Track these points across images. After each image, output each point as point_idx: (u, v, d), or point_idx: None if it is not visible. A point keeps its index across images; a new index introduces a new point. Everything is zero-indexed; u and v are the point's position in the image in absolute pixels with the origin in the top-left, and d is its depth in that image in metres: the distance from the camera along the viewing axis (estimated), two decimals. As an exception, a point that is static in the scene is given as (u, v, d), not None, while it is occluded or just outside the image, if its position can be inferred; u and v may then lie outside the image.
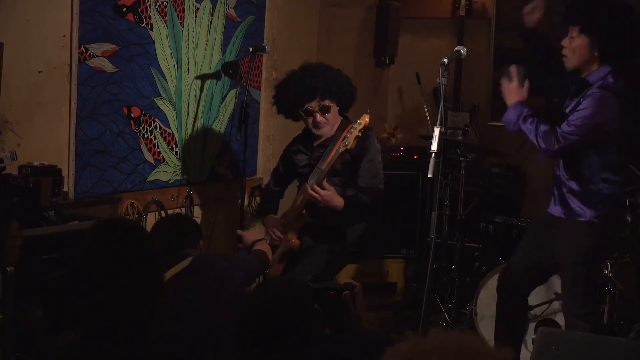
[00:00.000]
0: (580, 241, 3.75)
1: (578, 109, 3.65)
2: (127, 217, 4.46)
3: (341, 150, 4.02)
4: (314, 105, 4.26)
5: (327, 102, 4.27)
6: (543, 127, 3.69)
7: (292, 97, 4.30)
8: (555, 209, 3.85)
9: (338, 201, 4.13)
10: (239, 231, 4.13)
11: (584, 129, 3.62)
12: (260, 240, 3.96)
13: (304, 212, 4.29)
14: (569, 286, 3.86)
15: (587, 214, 3.73)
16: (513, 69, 3.82)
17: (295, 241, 4.30)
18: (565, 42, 3.73)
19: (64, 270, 3.17)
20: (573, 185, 3.77)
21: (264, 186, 5.13)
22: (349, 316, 2.48)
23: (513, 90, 3.81)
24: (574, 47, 3.69)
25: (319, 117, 4.27)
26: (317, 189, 4.07)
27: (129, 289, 2.08)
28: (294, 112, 4.37)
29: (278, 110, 4.52)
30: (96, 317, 2.09)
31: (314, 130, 4.33)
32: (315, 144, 4.39)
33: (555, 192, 3.86)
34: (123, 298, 2.07)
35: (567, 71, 3.78)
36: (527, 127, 3.72)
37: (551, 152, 3.71)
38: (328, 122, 4.31)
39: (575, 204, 3.76)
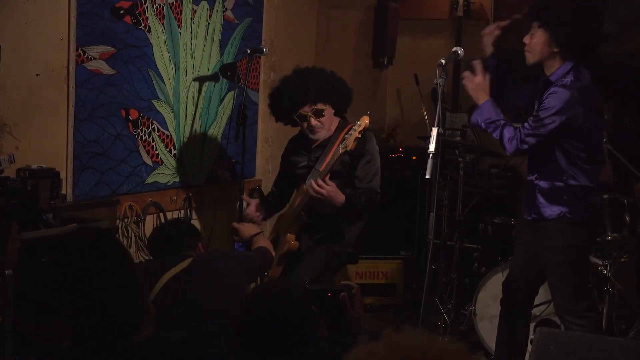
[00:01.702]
0: (558, 240, 3.75)
1: (539, 108, 3.67)
2: (126, 219, 4.46)
3: (340, 151, 4.01)
4: (306, 110, 4.24)
5: (319, 106, 4.25)
6: (507, 130, 3.71)
7: (285, 103, 4.30)
8: (528, 213, 3.87)
9: (340, 198, 4.11)
10: (234, 224, 4.11)
11: (546, 129, 3.64)
12: (257, 234, 3.94)
13: (301, 213, 4.29)
14: (557, 287, 3.85)
15: (556, 211, 3.74)
16: (477, 63, 3.81)
17: (293, 242, 4.29)
18: (526, 39, 3.76)
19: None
20: (541, 184, 3.79)
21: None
22: (347, 317, 2.49)
23: (480, 85, 3.79)
24: (534, 43, 3.72)
25: (313, 122, 4.25)
26: (322, 184, 4.06)
27: (99, 295, 2.07)
28: (289, 118, 4.38)
29: (276, 118, 4.51)
30: (77, 324, 2.09)
31: (310, 135, 4.32)
32: (313, 146, 4.38)
33: (528, 195, 3.88)
34: (94, 306, 2.07)
35: (528, 66, 3.80)
36: (492, 131, 3.75)
37: (514, 153, 3.77)
38: (323, 126, 4.29)
39: (544, 203, 3.78)
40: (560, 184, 3.73)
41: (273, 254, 3.84)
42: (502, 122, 3.73)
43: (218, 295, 3.05)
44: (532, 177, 3.83)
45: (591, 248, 4.13)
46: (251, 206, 4.51)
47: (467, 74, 3.83)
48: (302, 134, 4.47)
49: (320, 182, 4.06)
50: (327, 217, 4.25)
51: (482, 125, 3.76)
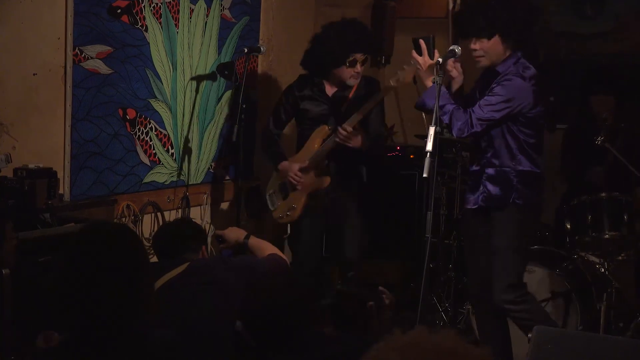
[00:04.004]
0: (506, 226, 3.83)
1: (491, 94, 3.74)
2: (123, 218, 4.46)
3: (393, 84, 4.30)
4: (359, 56, 4.48)
5: (366, 57, 4.55)
6: (457, 116, 3.75)
7: (348, 41, 4.46)
8: (474, 202, 3.92)
9: (363, 142, 4.42)
10: (217, 231, 3.87)
11: (499, 114, 3.72)
12: (246, 236, 3.65)
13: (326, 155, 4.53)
14: (500, 272, 3.87)
15: (507, 196, 3.82)
16: (422, 42, 3.82)
17: (326, 178, 4.55)
18: (475, 45, 3.81)
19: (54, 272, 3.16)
20: (490, 171, 3.86)
21: (265, 128, 4.95)
22: (370, 327, 2.44)
23: (427, 65, 3.80)
24: (489, 47, 3.78)
25: (359, 68, 4.51)
26: (349, 128, 4.33)
27: (112, 292, 2.08)
28: (338, 59, 4.48)
29: (314, 56, 4.62)
30: (80, 319, 2.09)
31: (351, 81, 4.54)
32: (331, 95, 4.62)
33: (474, 186, 3.95)
34: (106, 301, 2.07)
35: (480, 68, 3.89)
36: (441, 115, 3.73)
37: (464, 135, 3.81)
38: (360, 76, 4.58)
39: (494, 190, 3.85)
40: (510, 169, 3.82)
41: (281, 254, 3.58)
42: (452, 107, 3.77)
43: (210, 303, 3.00)
44: (478, 167, 3.90)
45: (534, 237, 4.27)
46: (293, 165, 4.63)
47: (414, 54, 3.84)
48: (314, 80, 4.66)
49: (348, 128, 4.34)
50: (350, 161, 4.54)
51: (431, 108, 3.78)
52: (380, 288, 2.59)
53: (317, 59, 4.61)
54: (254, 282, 3.09)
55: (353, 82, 4.56)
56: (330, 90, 4.64)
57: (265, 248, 3.56)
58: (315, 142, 4.60)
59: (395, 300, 2.61)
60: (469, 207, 3.98)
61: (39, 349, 2.49)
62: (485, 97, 3.75)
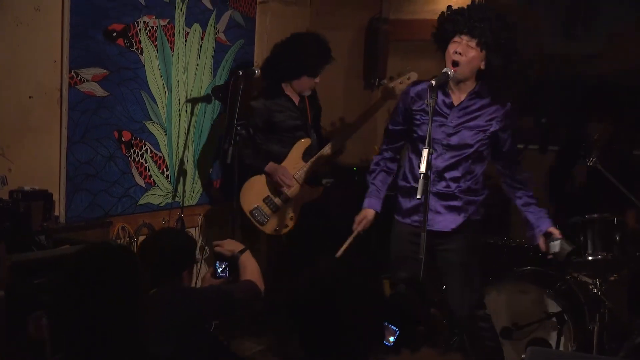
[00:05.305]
0: (475, 242, 3.94)
1: (512, 131, 3.85)
2: (118, 240, 4.46)
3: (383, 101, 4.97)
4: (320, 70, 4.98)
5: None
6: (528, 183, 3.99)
7: (322, 58, 4.95)
8: (448, 223, 3.89)
9: None
10: (216, 248, 3.59)
11: None
12: (242, 250, 3.51)
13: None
14: (469, 289, 3.91)
15: (479, 214, 3.93)
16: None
17: (319, 189, 5.01)
18: (462, 47, 3.69)
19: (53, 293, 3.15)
20: (473, 197, 3.90)
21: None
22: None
23: None
24: (472, 57, 3.69)
25: (318, 80, 4.98)
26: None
27: (112, 313, 2.08)
28: (313, 69, 4.91)
29: (285, 65, 4.90)
30: (79, 338, 2.10)
31: (307, 92, 4.99)
32: (297, 104, 4.97)
33: (441, 208, 3.91)
34: (106, 316, 2.08)
35: (457, 81, 3.78)
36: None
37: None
38: None
39: (473, 210, 3.91)
40: (485, 191, 3.96)
41: (261, 281, 3.44)
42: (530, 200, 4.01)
43: (170, 335, 2.90)
44: (462, 188, 3.88)
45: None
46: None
47: None
48: (280, 94, 4.93)
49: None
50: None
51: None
52: (433, 310, 2.52)
53: (292, 69, 4.90)
54: (221, 312, 3.09)
55: (309, 92, 5.00)
56: (295, 100, 5.00)
57: (247, 272, 3.43)
58: (299, 153, 4.91)
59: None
60: (445, 230, 3.89)
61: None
62: (512, 142, 3.89)
